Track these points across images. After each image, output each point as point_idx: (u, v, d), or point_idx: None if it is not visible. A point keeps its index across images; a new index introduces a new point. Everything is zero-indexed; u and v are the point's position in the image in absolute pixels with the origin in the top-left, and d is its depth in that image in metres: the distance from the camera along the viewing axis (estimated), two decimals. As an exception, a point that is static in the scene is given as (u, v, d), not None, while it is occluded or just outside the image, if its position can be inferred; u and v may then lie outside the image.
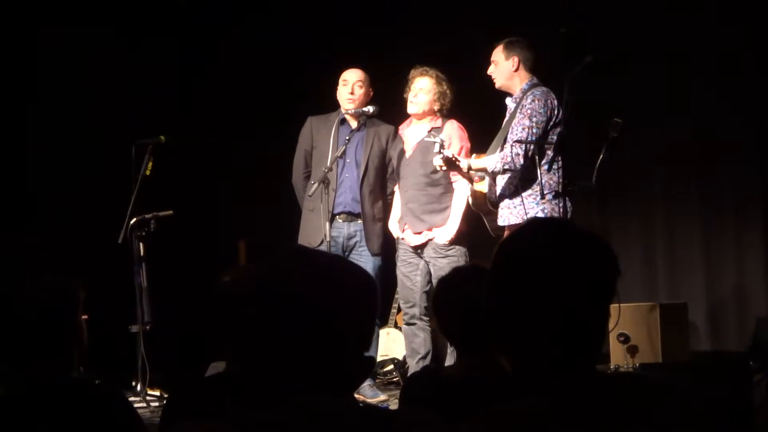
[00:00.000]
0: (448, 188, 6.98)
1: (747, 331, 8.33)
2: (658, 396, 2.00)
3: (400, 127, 7.21)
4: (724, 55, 8.34)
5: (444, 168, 6.48)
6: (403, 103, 7.09)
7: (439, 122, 7.02)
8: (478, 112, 7.31)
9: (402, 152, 7.09)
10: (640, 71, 8.50)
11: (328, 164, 6.93)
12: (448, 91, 7.02)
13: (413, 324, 7.08)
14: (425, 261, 7.00)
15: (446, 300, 3.26)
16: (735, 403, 5.75)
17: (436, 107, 7.02)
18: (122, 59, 8.50)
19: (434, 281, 6.95)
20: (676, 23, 8.42)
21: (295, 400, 2.00)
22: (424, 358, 7.04)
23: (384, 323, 8.25)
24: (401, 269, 7.12)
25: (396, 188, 7.24)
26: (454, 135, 6.96)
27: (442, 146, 6.34)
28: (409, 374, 7.21)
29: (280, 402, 2.01)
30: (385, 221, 7.23)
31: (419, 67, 7.07)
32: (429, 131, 6.81)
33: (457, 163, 6.43)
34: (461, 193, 6.88)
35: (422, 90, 7.01)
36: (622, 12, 8.43)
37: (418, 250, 7.02)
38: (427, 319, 7.10)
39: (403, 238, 7.08)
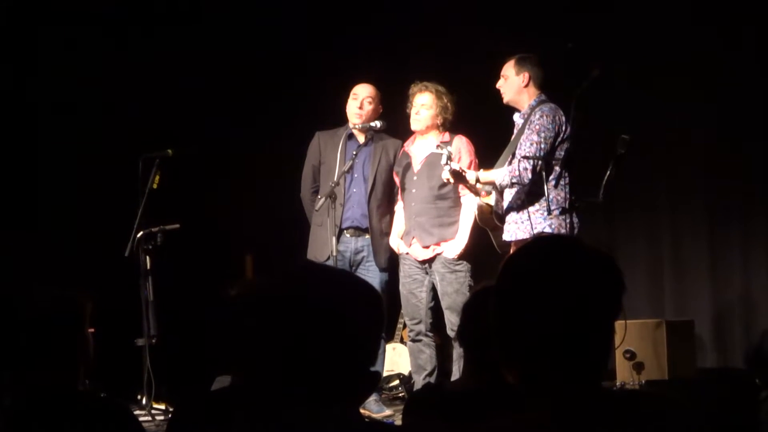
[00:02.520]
0: (457, 202, 6.98)
1: (754, 349, 8.31)
2: (663, 412, 2.00)
3: (405, 144, 7.21)
4: (729, 70, 8.34)
5: (452, 181, 6.49)
6: (409, 117, 7.10)
7: (446, 137, 7.03)
8: (486, 128, 7.32)
9: (408, 167, 7.08)
10: (646, 86, 8.50)
11: (336, 179, 6.94)
12: (449, 104, 7.03)
13: (419, 340, 7.07)
14: (431, 276, 7.00)
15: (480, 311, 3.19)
16: (741, 420, 5.74)
17: (438, 121, 7.03)
18: (128, 71, 8.52)
19: (440, 296, 6.96)
20: (679, 38, 8.42)
21: (301, 414, 2.00)
22: (430, 374, 7.03)
23: (390, 338, 8.24)
24: (406, 286, 7.09)
25: (399, 205, 7.23)
26: (463, 149, 6.97)
27: (449, 158, 6.35)
28: (413, 391, 7.21)
29: (285, 416, 2.01)
30: (392, 236, 7.24)
31: (418, 83, 7.08)
32: (437, 145, 6.82)
33: (465, 175, 6.43)
34: (469, 208, 6.88)
35: (423, 105, 7.02)
36: (628, 26, 8.44)
37: (425, 264, 7.02)
38: (432, 335, 7.10)
39: (408, 253, 7.07)
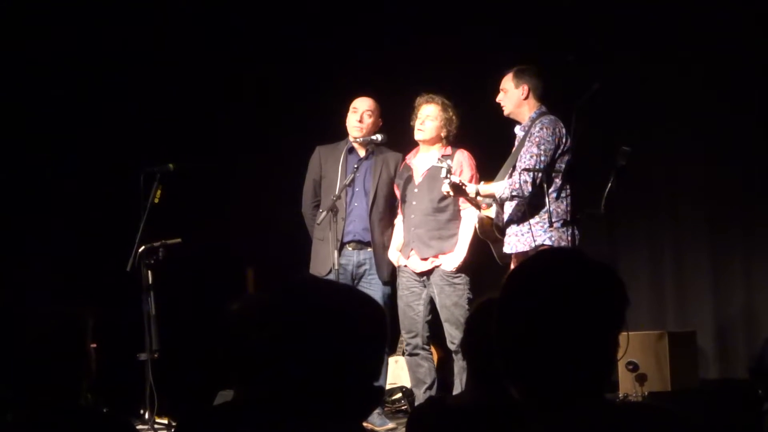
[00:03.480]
0: (456, 215, 6.98)
1: (756, 360, 8.29)
2: (666, 424, 2.00)
3: (407, 157, 7.20)
4: (731, 80, 8.34)
5: (451, 194, 6.49)
6: (412, 130, 7.10)
7: (449, 150, 7.02)
8: (487, 141, 7.33)
9: (409, 179, 7.08)
10: (648, 98, 8.51)
11: (337, 193, 6.94)
12: (454, 117, 7.03)
13: (416, 354, 7.06)
14: (429, 289, 6.99)
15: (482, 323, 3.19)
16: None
17: (443, 134, 7.03)
18: (129, 84, 8.53)
19: (439, 309, 6.95)
20: (681, 50, 8.43)
21: (305, 429, 2.00)
22: (430, 387, 7.02)
23: (393, 351, 8.22)
24: (403, 299, 7.07)
25: (399, 218, 7.23)
26: (464, 163, 6.98)
27: (449, 171, 6.35)
28: (415, 404, 7.19)
29: (289, 431, 2.01)
30: (394, 249, 7.23)
31: (425, 95, 7.09)
32: (439, 159, 6.83)
33: (464, 188, 6.43)
34: (469, 221, 6.88)
35: (429, 117, 7.02)
36: (629, 38, 8.44)
37: (423, 276, 7.01)
38: (429, 348, 7.08)
39: (406, 266, 7.06)
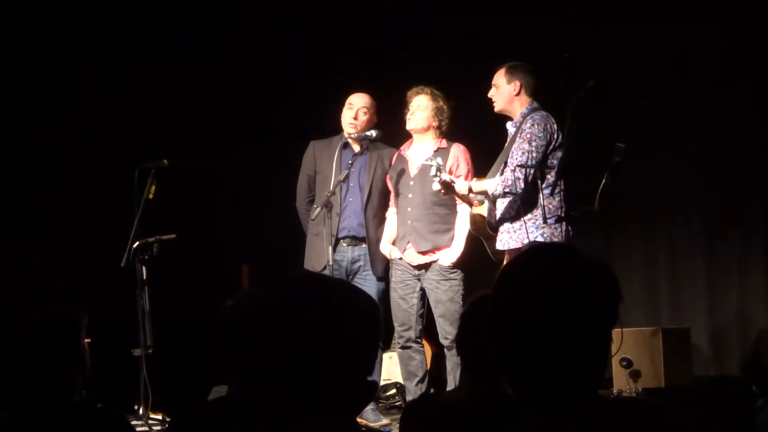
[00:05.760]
0: (453, 209, 6.98)
1: (750, 357, 8.31)
2: (660, 421, 2.00)
3: (402, 148, 7.21)
4: (730, 80, 8.34)
5: (443, 191, 6.48)
6: (405, 124, 7.11)
7: (444, 143, 7.03)
8: (479, 136, 7.32)
9: (403, 171, 7.08)
10: (643, 96, 8.51)
11: (331, 188, 6.94)
12: (444, 107, 7.04)
13: (408, 347, 7.06)
14: (423, 283, 6.99)
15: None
16: (738, 429, 5.74)
17: (434, 123, 7.04)
18: (124, 81, 8.52)
19: (433, 305, 6.95)
20: (679, 48, 8.43)
21: (298, 424, 2.00)
22: (422, 380, 7.03)
23: (387, 347, 8.23)
24: (397, 291, 7.07)
25: (390, 210, 7.23)
26: (461, 158, 6.98)
27: (439, 169, 6.35)
28: (407, 398, 7.21)
29: (283, 426, 2.01)
30: (387, 244, 7.23)
31: (415, 87, 7.10)
32: (434, 152, 6.82)
33: (453, 184, 6.42)
34: (465, 215, 6.87)
35: (419, 107, 7.04)
36: (625, 37, 8.44)
37: (418, 270, 7.00)
38: (421, 341, 7.09)
39: (401, 258, 7.06)
